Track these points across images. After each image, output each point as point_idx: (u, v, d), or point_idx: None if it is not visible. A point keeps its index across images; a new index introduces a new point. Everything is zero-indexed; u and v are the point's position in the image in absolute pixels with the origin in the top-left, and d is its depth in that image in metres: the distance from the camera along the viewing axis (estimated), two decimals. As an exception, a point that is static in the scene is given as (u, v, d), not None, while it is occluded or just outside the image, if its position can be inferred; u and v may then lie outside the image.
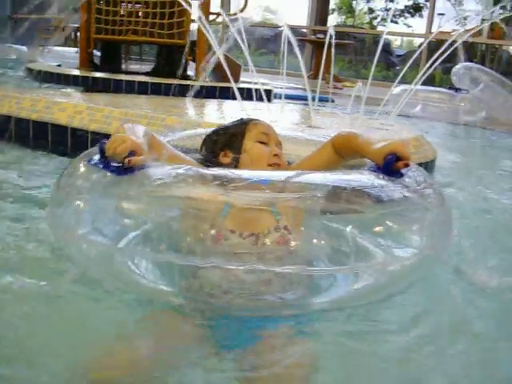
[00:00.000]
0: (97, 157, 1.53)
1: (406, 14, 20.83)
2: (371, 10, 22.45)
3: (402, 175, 1.56)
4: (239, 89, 4.37)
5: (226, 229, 1.44)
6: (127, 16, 6.12)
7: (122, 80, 5.58)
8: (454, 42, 4.18)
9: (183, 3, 4.32)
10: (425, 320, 1.72)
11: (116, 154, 1.40)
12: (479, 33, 11.36)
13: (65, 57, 8.98)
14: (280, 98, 5.28)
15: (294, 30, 13.02)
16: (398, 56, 19.47)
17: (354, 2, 22.99)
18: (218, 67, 4.23)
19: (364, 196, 1.45)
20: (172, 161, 1.63)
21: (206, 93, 5.41)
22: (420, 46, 13.02)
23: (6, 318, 1.53)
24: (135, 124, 1.63)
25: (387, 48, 18.07)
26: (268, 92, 5.42)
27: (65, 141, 3.58)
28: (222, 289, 1.43)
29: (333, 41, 4.69)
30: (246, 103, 4.38)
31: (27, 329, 1.49)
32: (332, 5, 19.45)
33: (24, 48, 11.16)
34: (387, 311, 1.71)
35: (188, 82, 5.66)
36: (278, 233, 1.44)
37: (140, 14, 6.11)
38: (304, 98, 5.42)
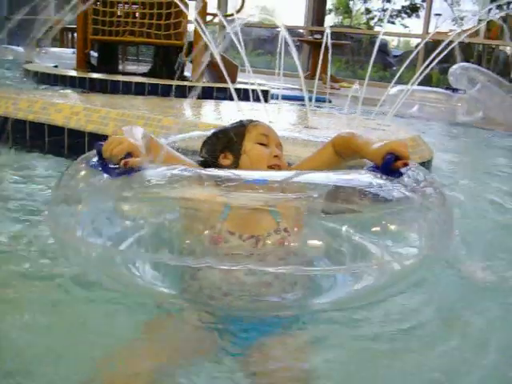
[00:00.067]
0: (96, 158, 1.54)
1: (403, 15, 20.83)
2: (368, 11, 22.45)
3: (401, 174, 1.56)
4: (236, 89, 4.37)
5: (225, 231, 1.44)
6: (124, 17, 6.12)
7: (119, 81, 5.58)
8: (450, 42, 4.19)
9: (180, 4, 4.31)
10: (426, 318, 1.72)
11: (113, 155, 1.40)
12: (476, 33, 11.38)
13: (62, 58, 8.97)
14: (277, 98, 5.28)
15: (291, 30, 13.05)
16: (395, 56, 19.46)
17: (351, 3, 23.00)
18: (214, 68, 4.23)
19: (362, 196, 1.44)
20: (170, 162, 1.62)
21: (203, 93, 5.42)
22: (417, 46, 13.02)
23: (5, 329, 1.52)
24: (134, 126, 1.63)
25: (384, 48, 18.06)
26: (265, 93, 5.42)
27: (62, 142, 3.58)
28: (222, 291, 1.43)
29: (329, 41, 4.69)
30: (243, 104, 4.38)
31: (27, 339, 1.48)
32: (329, 5, 19.46)
33: (20, 49, 11.15)
34: (387, 311, 1.70)
35: (185, 83, 5.66)
36: (278, 235, 1.44)
37: (137, 14, 6.11)
38: (301, 99, 5.42)
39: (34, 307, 1.64)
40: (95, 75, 5.95)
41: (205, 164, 1.84)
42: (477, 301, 1.88)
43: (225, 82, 4.34)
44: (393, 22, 20.35)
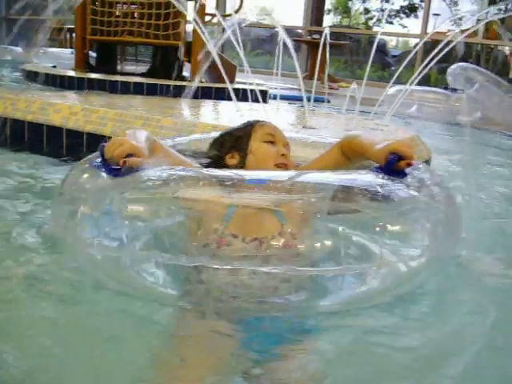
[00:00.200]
0: (97, 159, 1.56)
1: (402, 15, 20.85)
2: (367, 11, 22.46)
3: (405, 175, 1.55)
4: (235, 89, 4.38)
5: (228, 233, 1.43)
6: (122, 17, 6.11)
7: (117, 81, 5.58)
8: (449, 42, 4.19)
9: (178, 5, 4.31)
10: (431, 319, 1.72)
11: (114, 156, 1.43)
12: (474, 33, 11.38)
13: (60, 58, 8.96)
14: (275, 98, 5.28)
15: (290, 30, 13.06)
16: (394, 56, 19.47)
17: (350, 3, 23.00)
18: (213, 68, 4.23)
19: (364, 196, 1.44)
20: (172, 164, 1.62)
21: (202, 94, 5.42)
22: (415, 46, 13.03)
23: (10, 330, 1.52)
24: (137, 130, 1.64)
25: (382, 48, 18.07)
26: (263, 93, 5.42)
27: (60, 142, 3.57)
28: (229, 294, 1.42)
29: (328, 41, 4.69)
30: (242, 104, 4.38)
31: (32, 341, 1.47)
32: (328, 5, 19.47)
33: (19, 49, 11.14)
34: (396, 311, 1.69)
35: (184, 83, 5.66)
36: (282, 237, 1.43)
37: (135, 15, 6.11)
38: (299, 99, 5.42)
39: (38, 308, 1.62)
40: (94, 75, 5.95)
41: (211, 165, 1.85)
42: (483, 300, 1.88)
43: (223, 82, 4.34)
44: (391, 22, 20.39)
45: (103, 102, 4.32)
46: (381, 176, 1.52)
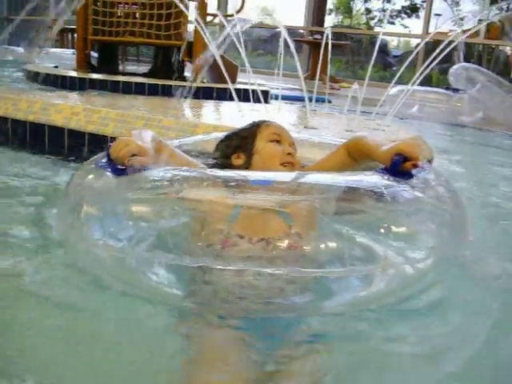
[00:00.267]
0: (103, 159, 1.57)
1: (403, 15, 20.85)
2: (368, 11, 22.46)
3: (411, 176, 1.54)
4: (236, 90, 4.37)
5: (234, 234, 1.42)
6: (124, 17, 6.11)
7: (119, 81, 5.57)
8: (450, 42, 4.18)
9: (180, 5, 4.31)
10: (436, 320, 1.70)
11: (119, 156, 1.44)
12: (476, 33, 11.38)
13: (62, 58, 8.96)
14: (277, 98, 5.28)
15: (291, 30, 13.05)
16: (395, 56, 19.48)
17: (352, 3, 23.00)
18: (215, 68, 4.23)
19: (369, 197, 1.44)
20: (178, 164, 1.63)
21: (203, 94, 5.41)
22: (417, 46, 13.03)
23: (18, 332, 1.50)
24: (143, 130, 1.64)
25: (384, 48, 18.08)
26: (265, 93, 5.42)
27: (62, 142, 3.58)
28: (236, 295, 1.41)
29: (329, 41, 4.69)
30: (243, 104, 4.38)
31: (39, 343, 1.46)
32: (329, 5, 19.47)
33: (21, 49, 11.15)
34: (399, 311, 1.68)
35: (185, 83, 5.65)
36: (289, 239, 1.42)
37: (137, 15, 6.10)
38: (301, 99, 5.42)
39: (41, 309, 1.62)
40: (95, 76, 5.95)
41: (217, 165, 1.85)
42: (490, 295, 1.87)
43: (225, 82, 4.34)
44: (393, 23, 20.38)
45: (105, 103, 4.32)
46: (386, 177, 1.51)
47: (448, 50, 4.16)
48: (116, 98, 4.97)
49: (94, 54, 6.97)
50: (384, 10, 20.94)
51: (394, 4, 20.83)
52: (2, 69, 8.54)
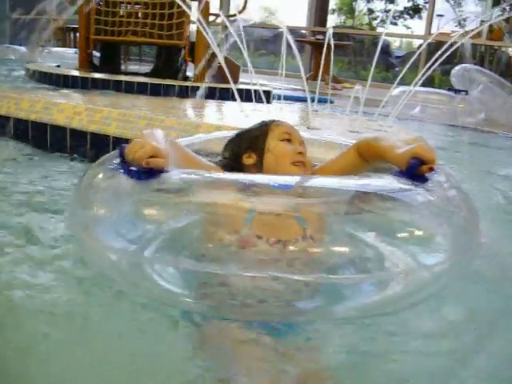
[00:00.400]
0: (115, 160, 1.54)
1: (406, 16, 20.85)
2: (371, 11, 22.46)
3: (426, 180, 1.53)
4: (238, 90, 4.38)
5: (253, 235, 1.40)
6: (126, 17, 6.12)
7: (121, 81, 5.58)
8: (453, 43, 4.18)
9: (182, 5, 4.31)
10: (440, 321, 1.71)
11: (135, 158, 1.39)
12: (478, 34, 11.37)
13: (64, 57, 8.97)
14: (279, 99, 5.28)
15: (294, 31, 13.04)
16: (398, 57, 19.48)
17: (354, 3, 23.00)
18: (217, 68, 4.24)
19: (386, 201, 1.44)
20: (191, 166, 1.61)
21: (206, 94, 5.42)
22: (419, 47, 13.02)
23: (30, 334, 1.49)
24: (154, 129, 1.60)
25: (386, 49, 18.09)
26: (267, 93, 5.42)
27: (64, 142, 3.58)
28: (256, 298, 1.39)
29: (332, 42, 4.69)
30: (245, 104, 4.38)
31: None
32: (332, 5, 19.48)
33: (23, 48, 11.16)
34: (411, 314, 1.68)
35: (187, 83, 5.66)
36: (305, 242, 1.41)
37: (139, 14, 6.11)
38: (303, 99, 5.42)
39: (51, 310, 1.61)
40: (97, 75, 5.95)
41: (227, 165, 1.84)
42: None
43: (227, 82, 4.34)
44: (395, 23, 20.38)
45: (107, 102, 4.32)
46: (404, 181, 1.50)
47: (450, 51, 4.15)
48: (118, 97, 4.97)
49: (97, 54, 6.97)
50: (386, 11, 20.95)
51: (396, 5, 20.84)
52: (4, 68, 8.55)
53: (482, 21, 6.67)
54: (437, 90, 8.78)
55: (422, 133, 4.53)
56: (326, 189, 1.46)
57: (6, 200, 2.58)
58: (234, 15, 6.09)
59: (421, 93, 7.53)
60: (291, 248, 1.41)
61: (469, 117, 7.55)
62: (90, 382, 1.37)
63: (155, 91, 5.43)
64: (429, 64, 4.18)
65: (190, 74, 6.37)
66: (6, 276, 1.79)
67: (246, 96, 4.90)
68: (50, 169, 3.21)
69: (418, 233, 1.51)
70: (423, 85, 4.78)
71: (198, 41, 5.78)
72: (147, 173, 1.39)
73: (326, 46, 4.76)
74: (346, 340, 1.55)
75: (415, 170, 1.52)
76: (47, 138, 3.64)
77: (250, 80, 5.05)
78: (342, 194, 1.45)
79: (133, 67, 8.26)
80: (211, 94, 5.47)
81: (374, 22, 22.08)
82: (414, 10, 20.70)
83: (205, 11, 5.70)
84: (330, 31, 4.81)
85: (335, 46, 5.02)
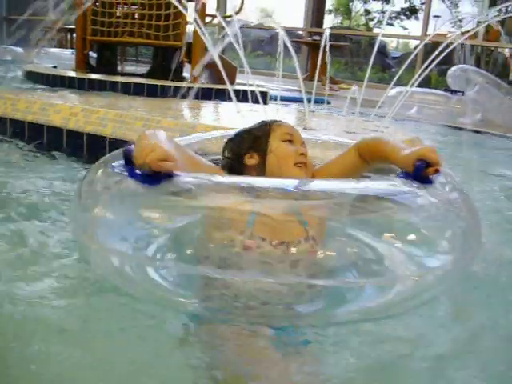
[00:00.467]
0: (117, 163, 1.51)
1: (402, 16, 20.88)
2: (367, 12, 22.49)
3: (431, 182, 1.54)
4: (235, 91, 4.37)
5: (257, 236, 1.40)
6: (123, 18, 6.12)
7: (117, 82, 5.58)
8: (449, 44, 4.19)
9: (178, 6, 4.31)
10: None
11: (147, 162, 1.34)
12: (475, 35, 11.39)
13: (61, 58, 8.97)
14: (276, 99, 5.28)
15: (290, 31, 13.04)
16: (394, 58, 19.50)
17: (351, 4, 23.02)
18: (214, 69, 4.23)
19: (392, 203, 1.44)
20: (192, 166, 1.60)
21: (202, 95, 5.42)
22: (416, 48, 13.04)
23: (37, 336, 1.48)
24: (156, 130, 1.56)
25: (383, 50, 18.11)
26: (264, 94, 5.42)
27: (60, 143, 3.58)
28: (260, 300, 1.39)
29: (328, 43, 4.69)
30: (242, 105, 4.38)
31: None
32: (329, 6, 19.49)
33: (20, 49, 11.13)
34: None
35: (184, 84, 5.66)
36: (307, 243, 1.42)
37: (136, 15, 6.11)
38: (300, 100, 5.42)
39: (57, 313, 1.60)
40: (94, 76, 5.95)
41: (228, 165, 1.82)
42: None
43: (224, 83, 4.34)
44: (392, 24, 20.41)
45: (103, 103, 4.32)
46: (415, 184, 1.51)
47: (447, 51, 4.16)
48: (115, 98, 4.97)
49: (93, 55, 6.97)
50: (383, 12, 20.97)
51: (393, 6, 20.85)
52: (1, 68, 8.52)
53: (479, 22, 6.68)
54: (433, 91, 8.80)
55: (419, 133, 4.52)
56: (330, 191, 1.46)
57: (2, 201, 2.57)
58: (230, 16, 6.09)
59: (417, 93, 7.55)
60: (294, 249, 1.40)
61: (465, 117, 7.56)
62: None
63: (152, 92, 5.43)
64: (425, 64, 4.19)
65: (186, 74, 6.37)
66: (6, 279, 1.78)
67: (243, 97, 4.90)
68: (47, 170, 3.20)
69: (426, 235, 1.51)
70: (420, 85, 4.78)
71: (195, 41, 5.78)
72: (156, 177, 1.36)
73: (322, 46, 4.76)
74: (345, 343, 1.55)
75: (421, 172, 1.52)
76: (44, 139, 3.63)
77: (246, 81, 5.05)
78: (346, 196, 1.45)
79: (129, 68, 8.26)
80: (208, 95, 5.47)
81: (371, 23, 22.11)
82: (411, 11, 20.74)
83: (201, 12, 5.70)
84: (327, 32, 4.81)
85: (332, 46, 5.02)
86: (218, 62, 3.76)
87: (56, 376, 1.37)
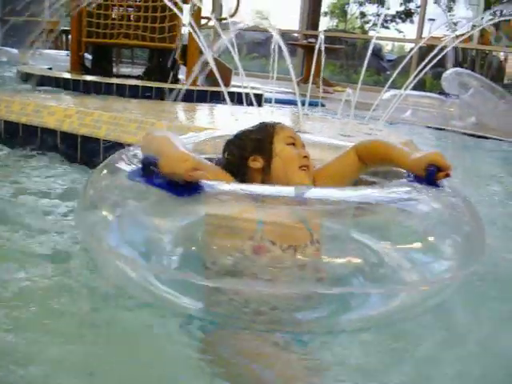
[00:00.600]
0: (132, 170, 1.50)
1: (398, 20, 20.90)
2: (363, 15, 22.50)
3: (438, 186, 1.58)
4: (230, 93, 4.38)
5: (267, 240, 1.39)
6: (119, 19, 6.11)
7: (112, 83, 5.57)
8: (444, 47, 4.20)
9: (174, 8, 4.31)
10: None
11: (181, 173, 1.32)
12: (469, 38, 11.42)
13: (56, 60, 8.95)
14: (270, 102, 5.29)
15: (286, 34, 13.05)
16: (389, 61, 19.52)
17: (347, 6, 23.04)
18: (209, 71, 4.23)
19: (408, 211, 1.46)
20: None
21: (197, 97, 5.42)
22: (410, 51, 13.07)
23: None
24: (170, 133, 1.55)
25: (378, 53, 18.13)
26: (258, 96, 5.42)
27: (55, 145, 3.57)
28: (270, 305, 1.39)
29: (323, 45, 4.70)
30: (237, 107, 4.38)
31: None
32: (324, 8, 19.50)
33: (15, 50, 11.11)
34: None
35: (179, 86, 5.65)
36: (313, 246, 1.42)
37: (131, 17, 6.11)
38: (294, 103, 5.43)
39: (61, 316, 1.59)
40: (89, 78, 5.94)
41: (230, 167, 1.80)
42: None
43: (219, 85, 4.34)
44: (387, 27, 20.43)
45: (98, 105, 4.32)
46: (425, 188, 1.55)
47: (441, 54, 4.17)
48: (109, 100, 4.96)
49: (89, 56, 6.96)
50: (378, 15, 21.00)
51: (388, 9, 20.88)
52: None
53: (474, 25, 6.70)
54: (428, 94, 8.83)
55: (413, 136, 4.53)
56: (368, 201, 1.48)
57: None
58: (225, 19, 6.09)
59: (412, 96, 7.56)
60: (301, 253, 1.41)
61: (459, 121, 7.58)
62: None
63: (146, 94, 5.42)
64: (419, 67, 4.20)
65: (181, 76, 6.37)
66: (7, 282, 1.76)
67: (238, 99, 4.90)
68: (41, 172, 3.20)
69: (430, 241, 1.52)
70: (414, 88, 4.80)
71: (190, 44, 5.78)
72: (189, 187, 1.34)
73: (317, 49, 4.77)
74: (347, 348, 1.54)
75: (433, 177, 1.57)
76: (38, 141, 3.62)
77: (241, 83, 5.05)
78: (390, 205, 1.48)
79: (125, 70, 8.25)
80: (203, 97, 5.47)
81: (366, 26, 22.13)
82: (406, 14, 20.76)
83: (196, 14, 5.70)
84: (322, 35, 4.83)
85: (327, 49, 5.04)
86: (213, 65, 3.76)
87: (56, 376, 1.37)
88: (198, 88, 5.55)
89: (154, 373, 1.37)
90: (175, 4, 4.37)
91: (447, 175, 1.57)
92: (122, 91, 5.44)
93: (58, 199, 2.64)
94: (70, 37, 7.04)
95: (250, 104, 4.48)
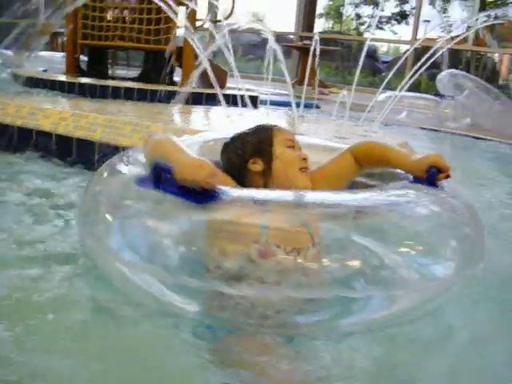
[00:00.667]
0: (139, 177, 1.49)
1: (393, 21, 20.96)
2: (358, 16, 22.55)
3: (437, 187, 1.60)
4: (225, 95, 4.38)
5: (272, 243, 1.39)
6: (114, 22, 6.11)
7: (108, 86, 5.56)
8: (439, 48, 4.22)
9: (168, 11, 4.32)
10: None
11: (199, 180, 1.31)
12: (464, 40, 11.46)
13: (52, 62, 8.93)
14: (266, 104, 5.29)
15: (281, 36, 13.07)
16: (384, 62, 19.58)
17: (342, 8, 23.08)
18: (205, 74, 4.24)
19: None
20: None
21: (193, 99, 5.41)
22: (406, 52, 13.12)
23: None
24: (169, 135, 1.54)
25: (373, 54, 18.19)
26: (254, 98, 5.43)
27: (50, 148, 3.56)
28: (275, 308, 1.39)
29: (318, 47, 4.72)
30: (232, 109, 4.39)
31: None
32: (320, 9, 19.55)
33: (10, 52, 11.09)
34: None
35: (175, 88, 5.65)
36: (315, 248, 1.42)
37: (127, 19, 6.11)
38: (290, 104, 5.44)
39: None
40: (84, 80, 5.94)
41: (229, 170, 1.79)
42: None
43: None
44: (382, 28, 20.49)
45: (93, 108, 4.31)
46: (438, 190, 1.57)
47: (436, 56, 4.19)
48: (105, 102, 4.96)
49: (84, 58, 6.95)
50: (374, 16, 21.05)
51: (382, 10, 20.94)
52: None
53: (469, 26, 6.73)
54: (423, 95, 8.86)
55: (408, 138, 4.54)
56: (373, 205, 1.48)
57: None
58: (220, 21, 6.10)
59: (407, 98, 7.59)
60: (304, 255, 1.41)
61: (455, 122, 7.61)
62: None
63: (142, 96, 5.42)
64: (414, 69, 4.22)
65: (177, 78, 6.37)
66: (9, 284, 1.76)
67: (234, 101, 4.90)
68: (37, 175, 3.19)
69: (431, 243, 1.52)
70: (409, 90, 4.82)
71: (186, 46, 5.78)
72: (205, 194, 1.33)
73: (312, 51, 4.78)
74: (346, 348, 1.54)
75: (434, 179, 1.58)
76: (33, 144, 3.61)
77: (237, 85, 5.06)
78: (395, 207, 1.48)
79: (120, 72, 8.24)
80: (198, 100, 5.46)
81: (362, 28, 22.18)
82: (401, 16, 20.82)
83: (192, 17, 5.70)
84: (317, 37, 4.84)
85: (323, 51, 5.05)
86: (208, 67, 3.77)
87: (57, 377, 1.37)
88: (193, 90, 5.55)
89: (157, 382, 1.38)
90: (170, 6, 4.38)
91: (447, 176, 1.59)
92: (117, 93, 5.43)
93: (54, 202, 2.64)
94: (65, 39, 7.03)
95: (246, 106, 4.49)
